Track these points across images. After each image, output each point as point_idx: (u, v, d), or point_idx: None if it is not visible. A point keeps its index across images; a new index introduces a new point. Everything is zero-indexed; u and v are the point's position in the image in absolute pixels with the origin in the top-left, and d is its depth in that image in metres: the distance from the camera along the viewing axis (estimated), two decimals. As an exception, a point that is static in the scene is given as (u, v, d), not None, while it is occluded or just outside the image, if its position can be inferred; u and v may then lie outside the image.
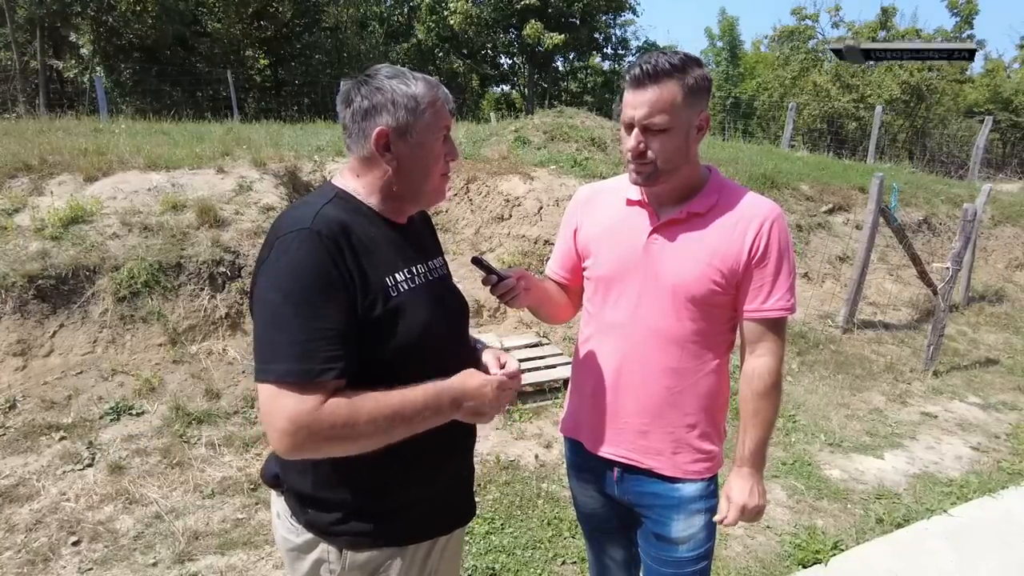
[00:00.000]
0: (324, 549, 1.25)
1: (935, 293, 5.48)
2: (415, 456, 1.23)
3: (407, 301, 1.22)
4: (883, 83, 20.45)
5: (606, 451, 1.58)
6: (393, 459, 1.19)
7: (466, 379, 1.23)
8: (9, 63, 17.31)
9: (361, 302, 1.15)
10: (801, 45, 23.87)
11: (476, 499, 1.49)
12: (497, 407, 1.26)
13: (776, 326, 1.47)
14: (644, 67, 1.34)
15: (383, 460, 1.17)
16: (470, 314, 1.53)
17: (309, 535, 1.26)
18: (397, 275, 1.23)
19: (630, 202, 1.53)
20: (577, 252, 1.63)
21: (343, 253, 1.14)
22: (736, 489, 1.50)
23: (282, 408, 1.06)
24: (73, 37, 17.72)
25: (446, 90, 1.27)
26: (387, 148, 1.22)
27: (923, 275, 5.85)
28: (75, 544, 2.75)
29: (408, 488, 1.27)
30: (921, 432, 4.25)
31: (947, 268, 5.18)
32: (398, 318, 1.19)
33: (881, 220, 5.74)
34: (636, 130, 1.38)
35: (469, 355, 1.41)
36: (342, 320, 1.11)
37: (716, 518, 1.52)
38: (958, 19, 23.46)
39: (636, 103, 1.36)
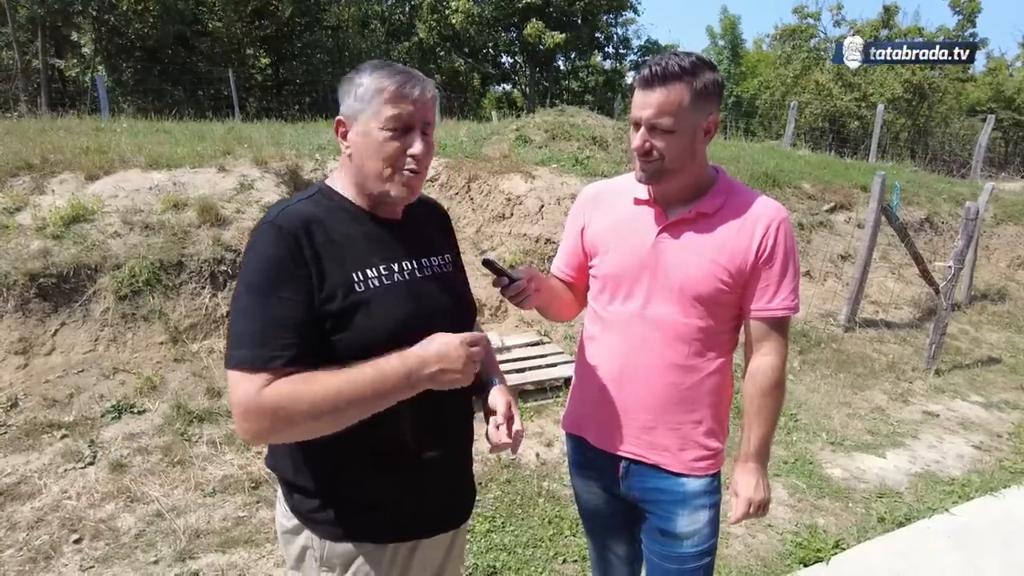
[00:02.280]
0: (308, 536, 1.26)
1: (937, 292, 5.47)
2: (397, 451, 1.22)
3: (376, 297, 1.19)
4: (885, 82, 20.42)
5: (612, 447, 1.59)
6: (368, 452, 1.19)
7: (426, 344, 1.15)
8: (11, 62, 17.35)
9: (318, 296, 1.15)
10: (803, 44, 23.83)
11: (476, 499, 1.48)
12: (470, 367, 1.16)
13: (780, 325, 1.50)
14: (654, 68, 1.35)
15: (357, 452, 1.18)
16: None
17: (296, 520, 1.27)
18: (368, 271, 1.20)
19: (638, 201, 1.54)
20: (584, 250, 1.63)
21: (301, 247, 1.15)
22: (742, 484, 1.54)
23: (235, 393, 1.10)
24: (75, 36, 17.77)
25: (413, 83, 1.19)
26: (344, 136, 1.24)
27: (925, 274, 5.85)
28: (76, 542, 2.75)
29: (385, 486, 1.26)
30: (923, 431, 4.24)
31: (949, 267, 5.17)
32: (358, 312, 1.17)
33: (883, 219, 5.73)
34: (642, 129, 1.39)
35: None
36: (299, 311, 1.12)
37: (730, 516, 1.54)
38: (960, 17, 23.43)
39: (643, 103, 1.37)
